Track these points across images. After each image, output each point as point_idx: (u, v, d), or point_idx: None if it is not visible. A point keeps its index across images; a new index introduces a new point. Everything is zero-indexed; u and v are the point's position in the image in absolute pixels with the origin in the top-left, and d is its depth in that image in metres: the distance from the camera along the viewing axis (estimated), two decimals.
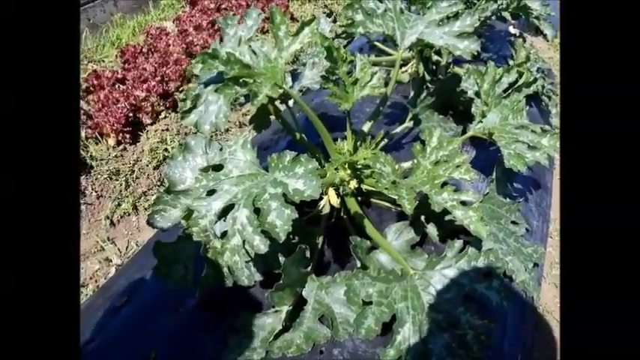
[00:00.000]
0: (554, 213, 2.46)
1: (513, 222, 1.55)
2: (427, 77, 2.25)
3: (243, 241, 1.01)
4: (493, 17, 2.46)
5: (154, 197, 2.53)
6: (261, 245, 0.99)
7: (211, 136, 1.37)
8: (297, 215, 0.97)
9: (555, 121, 2.82)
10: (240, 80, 1.20)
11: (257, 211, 1.00)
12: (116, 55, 3.83)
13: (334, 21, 2.04)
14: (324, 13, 2.26)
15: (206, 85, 1.39)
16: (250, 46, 1.37)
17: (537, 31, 3.95)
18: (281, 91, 1.26)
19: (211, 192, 1.05)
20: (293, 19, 4.77)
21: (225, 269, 1.22)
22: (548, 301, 2.08)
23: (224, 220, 1.02)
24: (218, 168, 1.10)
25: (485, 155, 1.99)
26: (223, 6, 4.78)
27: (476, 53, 1.44)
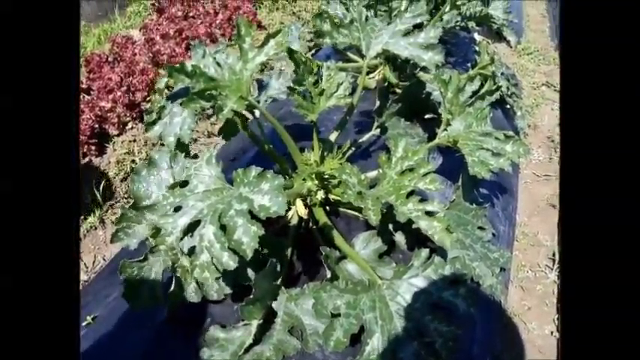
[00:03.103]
0: (520, 217, 2.52)
1: (480, 227, 1.58)
2: (394, 82, 2.28)
3: (212, 258, 1.01)
4: (457, 27, 2.50)
5: (118, 213, 2.49)
6: (230, 262, 0.99)
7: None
8: (263, 232, 0.97)
9: (521, 123, 2.88)
10: (206, 94, 1.19)
11: (223, 227, 0.99)
12: (81, 65, 3.75)
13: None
14: (297, 22, 2.27)
15: (173, 98, 1.38)
16: (215, 58, 1.36)
17: (501, 38, 4.04)
18: (246, 103, 1.25)
19: (177, 208, 1.04)
20: (261, 26, 4.75)
21: (194, 285, 1.21)
22: (515, 304, 2.12)
23: (191, 236, 1.01)
24: (184, 184, 1.09)
25: (452, 161, 2.02)
26: (191, 14, 4.72)
27: (440, 64, 1.46)
